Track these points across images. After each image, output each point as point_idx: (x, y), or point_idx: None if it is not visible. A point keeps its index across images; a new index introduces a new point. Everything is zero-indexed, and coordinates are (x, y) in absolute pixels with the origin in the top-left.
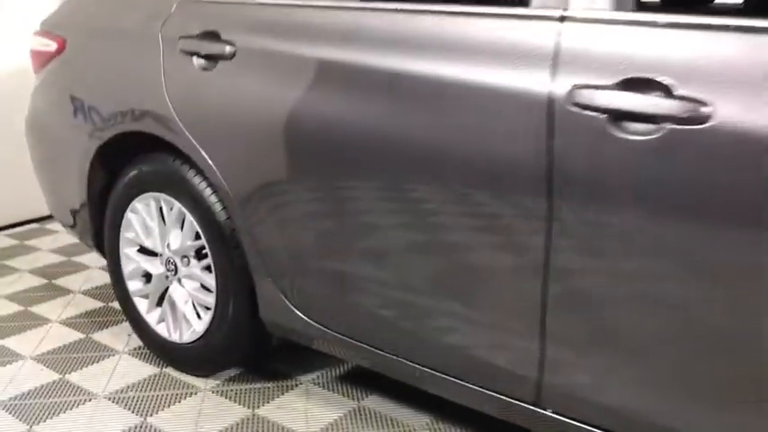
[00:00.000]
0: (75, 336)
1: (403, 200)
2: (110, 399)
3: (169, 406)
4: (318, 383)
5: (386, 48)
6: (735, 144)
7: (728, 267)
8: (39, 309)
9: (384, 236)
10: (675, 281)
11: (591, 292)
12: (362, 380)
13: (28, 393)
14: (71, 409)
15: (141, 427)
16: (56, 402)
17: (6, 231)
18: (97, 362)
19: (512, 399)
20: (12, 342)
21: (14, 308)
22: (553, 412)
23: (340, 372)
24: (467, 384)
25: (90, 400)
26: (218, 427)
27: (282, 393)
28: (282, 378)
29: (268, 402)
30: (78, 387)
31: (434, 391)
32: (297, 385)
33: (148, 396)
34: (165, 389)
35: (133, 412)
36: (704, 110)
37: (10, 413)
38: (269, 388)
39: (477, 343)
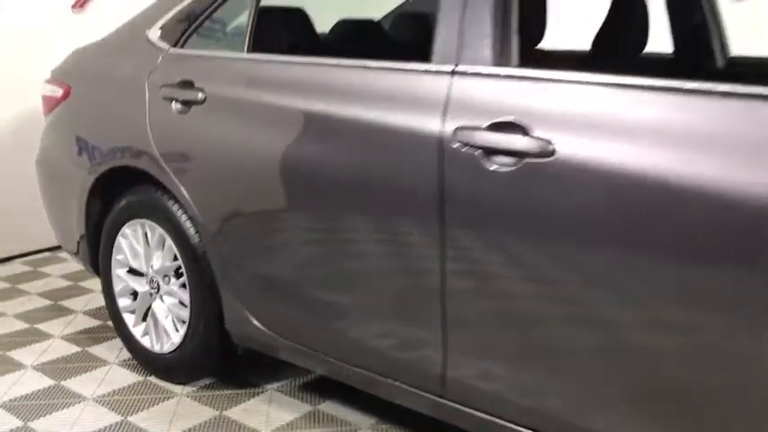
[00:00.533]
0: (74, 349)
1: (338, 227)
2: (97, 401)
3: (148, 408)
4: (282, 390)
5: (321, 96)
6: (572, 172)
7: (580, 274)
8: (43, 326)
9: (328, 258)
10: (548, 290)
11: (481, 306)
12: (322, 387)
13: (26, 396)
14: (62, 409)
15: (121, 424)
16: (50, 404)
17: (22, 259)
18: (90, 371)
19: (424, 392)
20: (16, 354)
21: (22, 325)
22: (455, 402)
23: (303, 381)
24: (395, 383)
25: (80, 402)
26: (189, 425)
27: (249, 398)
28: (251, 386)
29: (235, 406)
30: (71, 391)
31: (372, 391)
32: (263, 392)
33: (131, 399)
34: (146, 393)
35: (116, 412)
36: (550, 147)
37: (9, 412)
38: (238, 394)
39: (400, 348)
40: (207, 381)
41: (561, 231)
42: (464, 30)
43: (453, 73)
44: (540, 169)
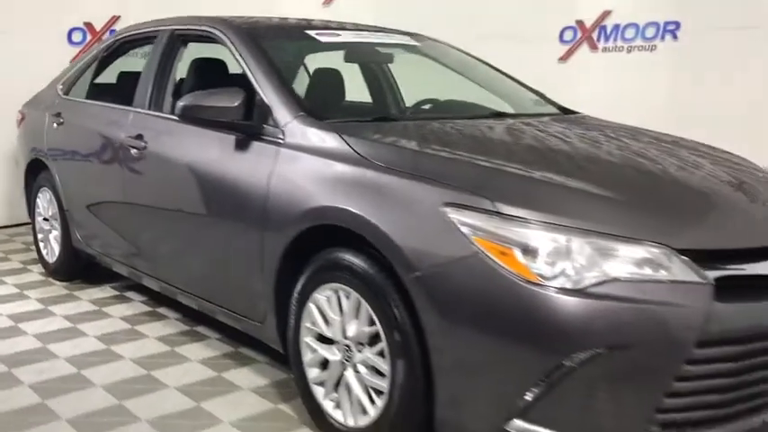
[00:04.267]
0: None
1: (108, 186)
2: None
3: (38, 288)
4: (115, 288)
5: (97, 121)
6: (153, 156)
7: (162, 201)
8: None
9: (119, 208)
10: (161, 214)
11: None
12: (141, 289)
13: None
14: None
15: (20, 293)
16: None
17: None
18: (21, 274)
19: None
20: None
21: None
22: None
23: (132, 283)
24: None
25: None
26: (49, 295)
27: (93, 288)
28: (97, 284)
29: (81, 290)
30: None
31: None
32: (103, 288)
33: (36, 286)
34: (44, 285)
35: (27, 290)
36: (146, 144)
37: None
38: (88, 286)
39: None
40: (78, 281)
41: (156, 178)
42: (142, 89)
43: (136, 112)
44: (144, 153)
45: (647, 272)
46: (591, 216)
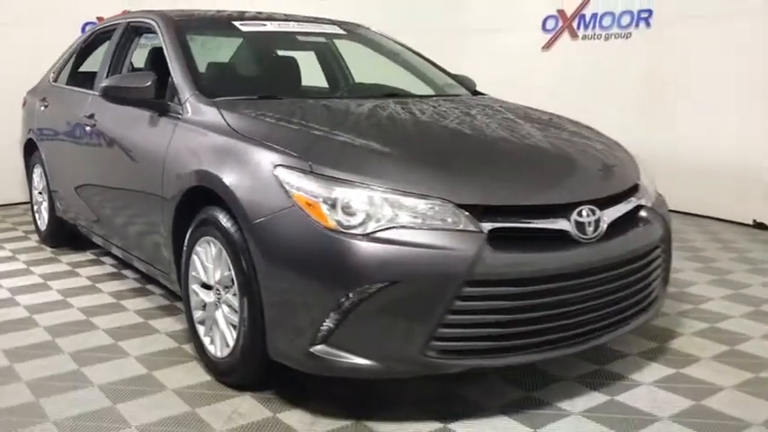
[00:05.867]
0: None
1: (80, 161)
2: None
3: (28, 252)
4: (94, 253)
5: (72, 102)
6: (99, 130)
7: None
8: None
9: (82, 181)
10: (107, 186)
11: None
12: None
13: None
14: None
15: (12, 257)
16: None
17: None
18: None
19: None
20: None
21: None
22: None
23: (104, 251)
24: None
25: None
26: (34, 258)
27: (74, 255)
28: (81, 251)
29: (65, 255)
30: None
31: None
32: (84, 253)
33: (23, 252)
34: (36, 251)
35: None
36: (96, 122)
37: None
38: (74, 252)
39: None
40: (66, 247)
41: (101, 153)
42: (100, 74)
43: (93, 95)
44: (94, 131)
45: (429, 222)
46: (389, 175)
